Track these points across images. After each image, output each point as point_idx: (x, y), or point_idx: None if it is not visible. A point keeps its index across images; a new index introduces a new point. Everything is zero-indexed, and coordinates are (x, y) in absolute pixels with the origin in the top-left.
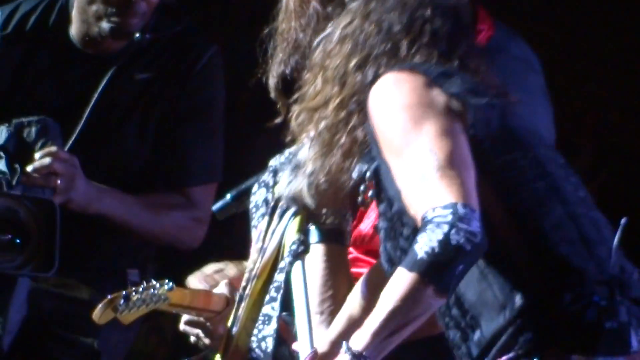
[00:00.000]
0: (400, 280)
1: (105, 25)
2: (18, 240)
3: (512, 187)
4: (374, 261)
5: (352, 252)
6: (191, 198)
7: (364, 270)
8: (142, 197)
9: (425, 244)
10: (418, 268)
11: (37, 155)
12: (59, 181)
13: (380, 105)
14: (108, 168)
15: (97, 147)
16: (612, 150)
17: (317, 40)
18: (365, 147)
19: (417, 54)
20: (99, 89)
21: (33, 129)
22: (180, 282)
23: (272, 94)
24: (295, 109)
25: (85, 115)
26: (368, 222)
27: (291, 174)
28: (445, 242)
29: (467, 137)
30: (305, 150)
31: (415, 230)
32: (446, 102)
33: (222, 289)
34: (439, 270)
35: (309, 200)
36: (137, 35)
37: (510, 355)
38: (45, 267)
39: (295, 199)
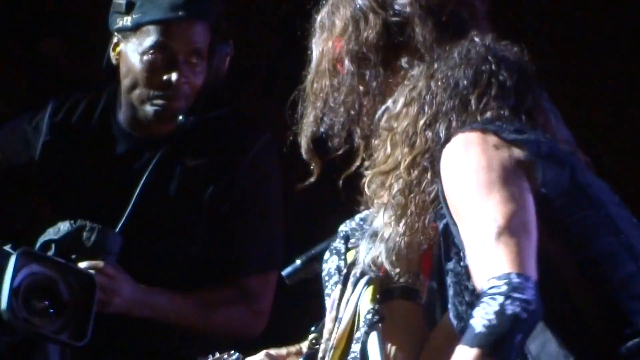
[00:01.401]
0: (464, 357)
1: (149, 108)
2: (52, 310)
3: (584, 243)
4: None
5: None
6: (248, 289)
7: None
8: (194, 295)
9: (482, 317)
10: (478, 342)
11: (83, 264)
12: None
13: (449, 168)
14: (158, 256)
15: (146, 233)
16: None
17: (380, 110)
18: (438, 205)
19: (487, 108)
20: (148, 170)
21: (93, 236)
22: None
23: (305, 155)
24: (367, 175)
25: (134, 197)
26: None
27: (369, 242)
28: (501, 313)
29: (537, 196)
30: (380, 217)
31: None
32: (516, 162)
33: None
34: (499, 342)
35: (388, 266)
36: (181, 117)
37: None
38: (77, 337)
39: (374, 266)
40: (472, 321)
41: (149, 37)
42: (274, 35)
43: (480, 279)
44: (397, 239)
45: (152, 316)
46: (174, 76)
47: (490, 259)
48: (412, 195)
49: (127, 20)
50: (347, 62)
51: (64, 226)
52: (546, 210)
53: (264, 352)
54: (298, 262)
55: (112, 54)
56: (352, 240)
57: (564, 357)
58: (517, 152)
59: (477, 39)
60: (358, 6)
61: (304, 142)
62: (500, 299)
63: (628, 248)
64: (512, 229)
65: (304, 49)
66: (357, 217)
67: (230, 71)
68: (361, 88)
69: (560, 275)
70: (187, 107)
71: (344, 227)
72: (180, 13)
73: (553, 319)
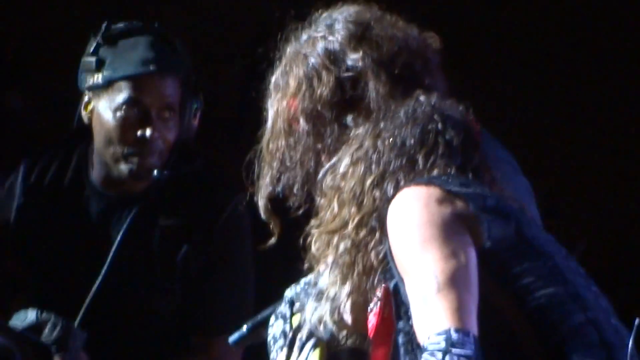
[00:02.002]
0: None
1: (123, 167)
2: None
3: (532, 293)
4: None
5: None
6: (215, 350)
7: None
8: None
9: None
10: None
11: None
12: None
13: (394, 224)
14: (133, 313)
15: (123, 292)
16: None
17: (324, 169)
18: (386, 265)
19: (434, 166)
20: (123, 229)
21: (55, 332)
22: None
23: (263, 216)
24: (313, 234)
25: (110, 257)
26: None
27: (315, 301)
28: None
29: (482, 250)
30: (325, 276)
31: None
32: (460, 216)
33: None
34: None
35: (331, 326)
36: (156, 172)
37: None
38: None
39: (319, 327)
40: None
41: (121, 93)
42: (237, 87)
43: (421, 335)
44: (343, 299)
45: None
46: (147, 131)
47: (430, 315)
48: (360, 254)
49: (97, 78)
50: (302, 120)
51: (31, 314)
52: (492, 263)
53: None
54: (244, 328)
55: (84, 113)
56: (297, 305)
57: None
58: (461, 206)
59: (422, 98)
60: (311, 65)
61: (262, 203)
62: (439, 355)
63: (576, 298)
64: (451, 284)
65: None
66: (302, 281)
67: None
68: (318, 146)
69: (509, 328)
70: (161, 163)
71: (289, 292)
72: (151, 67)
73: None
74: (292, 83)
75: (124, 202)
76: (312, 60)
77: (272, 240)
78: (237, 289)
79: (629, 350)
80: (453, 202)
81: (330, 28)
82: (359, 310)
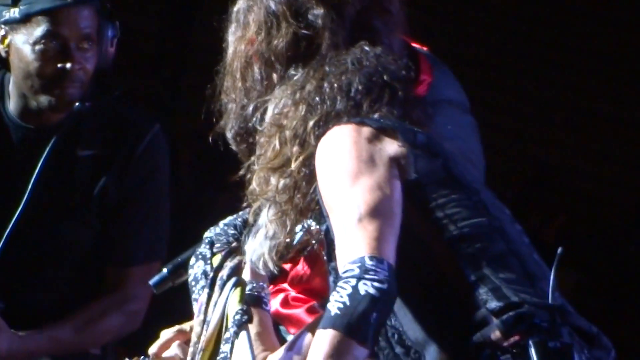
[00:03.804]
0: (321, 340)
1: (43, 99)
2: None
3: (455, 222)
4: (310, 299)
5: (289, 291)
6: (129, 281)
7: (300, 311)
8: (73, 320)
9: (337, 300)
10: (332, 324)
11: None
12: None
13: (321, 160)
14: (52, 243)
15: (42, 222)
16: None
17: (265, 105)
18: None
19: (378, 113)
20: (40, 162)
21: None
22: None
23: (233, 146)
24: (253, 171)
25: (29, 188)
26: (304, 264)
27: (255, 239)
28: (353, 294)
29: (408, 182)
30: (264, 214)
31: None
32: (388, 152)
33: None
34: (353, 322)
35: (271, 265)
36: (77, 105)
37: None
38: None
39: (259, 265)
40: (328, 305)
41: (39, 27)
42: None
43: (340, 265)
44: (282, 237)
45: (35, 357)
46: (68, 65)
47: (349, 244)
48: (299, 194)
49: (14, 12)
50: (256, 67)
51: None
52: (417, 195)
53: (176, 328)
54: (165, 270)
55: (1, 47)
56: (217, 246)
57: (442, 337)
58: (390, 142)
59: (367, 48)
60: (272, 11)
61: (230, 134)
62: (353, 281)
63: (499, 231)
64: (372, 215)
65: (187, 33)
66: (221, 223)
67: (116, 53)
68: (265, 91)
69: (434, 258)
70: (82, 93)
71: (208, 234)
72: (67, 0)
73: (430, 298)
74: (252, 25)
75: (42, 134)
76: (273, 6)
77: (241, 172)
78: (152, 220)
79: (552, 280)
80: (382, 138)
81: None
82: (294, 250)
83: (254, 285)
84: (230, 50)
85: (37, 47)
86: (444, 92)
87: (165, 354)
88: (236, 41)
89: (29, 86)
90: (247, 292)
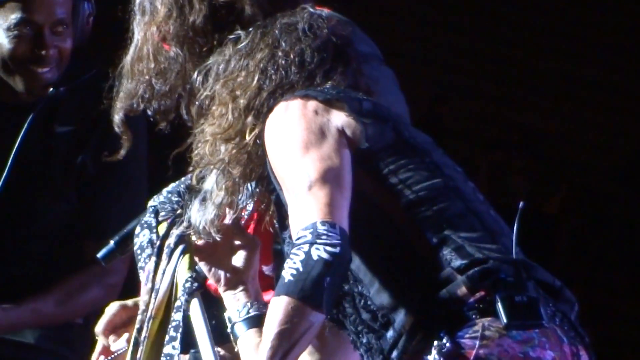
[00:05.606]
0: (276, 307)
1: (18, 81)
2: None
3: (411, 187)
4: None
5: None
6: None
7: None
8: (54, 293)
9: (290, 267)
10: (286, 290)
11: None
12: None
13: (270, 135)
14: (31, 217)
15: (21, 197)
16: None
17: (214, 70)
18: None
19: (330, 81)
20: (20, 137)
21: None
22: None
23: (118, 129)
24: (202, 139)
25: (9, 162)
26: None
27: (201, 206)
28: (306, 260)
29: (359, 151)
30: (211, 180)
31: None
32: (335, 123)
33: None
34: (307, 287)
35: (213, 231)
36: (52, 89)
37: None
38: None
39: (204, 232)
40: (282, 272)
41: (13, 14)
42: None
43: (293, 233)
44: (227, 204)
45: (16, 331)
46: (42, 52)
47: (301, 212)
48: (251, 165)
49: None
50: (173, 47)
51: None
52: (370, 162)
53: (118, 303)
54: (111, 242)
55: None
56: (162, 214)
57: (409, 299)
58: (337, 113)
59: (314, 11)
60: None
61: (118, 117)
62: (306, 247)
63: (455, 190)
64: (322, 182)
65: None
66: (165, 190)
67: (94, 30)
68: (191, 67)
69: (394, 223)
70: (58, 73)
71: (152, 202)
72: None
73: (394, 263)
74: (162, 9)
75: (20, 111)
76: None
77: (119, 155)
78: (129, 193)
79: (515, 235)
80: (329, 110)
81: None
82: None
83: (259, 305)
84: (138, 36)
85: (11, 33)
86: (360, 48)
87: (114, 347)
88: (144, 26)
89: (4, 68)
90: (252, 314)
